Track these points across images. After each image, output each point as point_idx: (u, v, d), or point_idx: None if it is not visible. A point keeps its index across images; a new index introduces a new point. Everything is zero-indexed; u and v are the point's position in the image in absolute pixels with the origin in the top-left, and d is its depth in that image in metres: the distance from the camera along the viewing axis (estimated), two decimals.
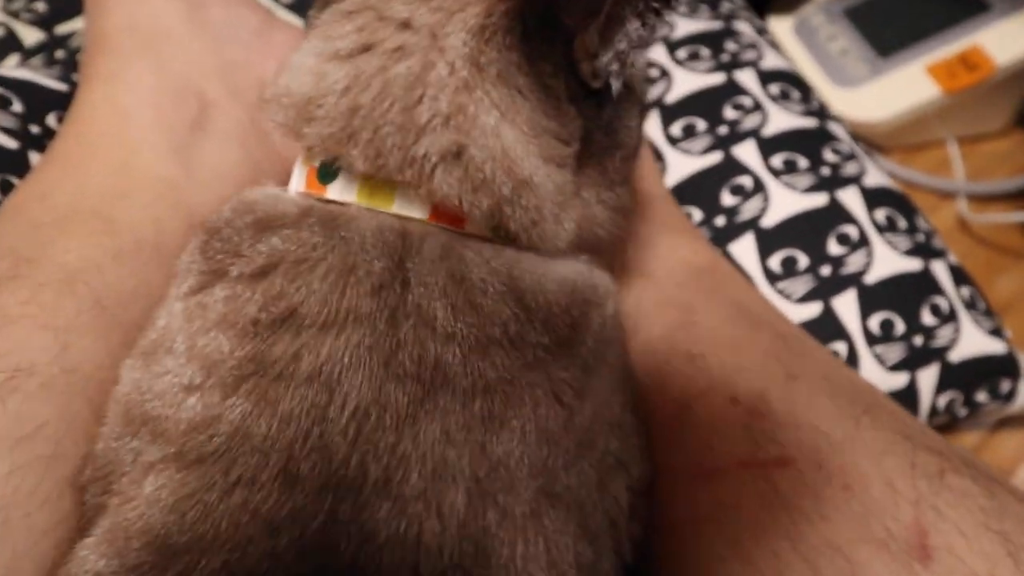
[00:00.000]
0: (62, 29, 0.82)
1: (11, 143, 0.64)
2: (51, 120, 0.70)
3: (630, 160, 0.50)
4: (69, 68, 0.77)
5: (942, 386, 0.69)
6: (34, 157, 0.66)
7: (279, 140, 0.66)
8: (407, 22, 0.43)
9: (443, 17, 0.42)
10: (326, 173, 0.44)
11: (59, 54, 0.80)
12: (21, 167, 0.64)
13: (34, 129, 0.68)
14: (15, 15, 0.83)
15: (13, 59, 0.80)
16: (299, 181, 0.45)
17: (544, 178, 0.42)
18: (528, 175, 0.42)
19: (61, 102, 0.69)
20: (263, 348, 0.38)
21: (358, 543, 0.36)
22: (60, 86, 0.72)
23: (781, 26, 1.02)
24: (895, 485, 0.48)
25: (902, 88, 0.93)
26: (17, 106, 0.67)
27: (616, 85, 0.43)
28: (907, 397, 0.68)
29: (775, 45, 0.87)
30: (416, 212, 0.42)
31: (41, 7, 0.84)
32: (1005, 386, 0.71)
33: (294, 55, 0.47)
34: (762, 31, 0.88)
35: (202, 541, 0.35)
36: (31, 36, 0.81)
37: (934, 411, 0.69)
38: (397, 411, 0.37)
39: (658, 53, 0.82)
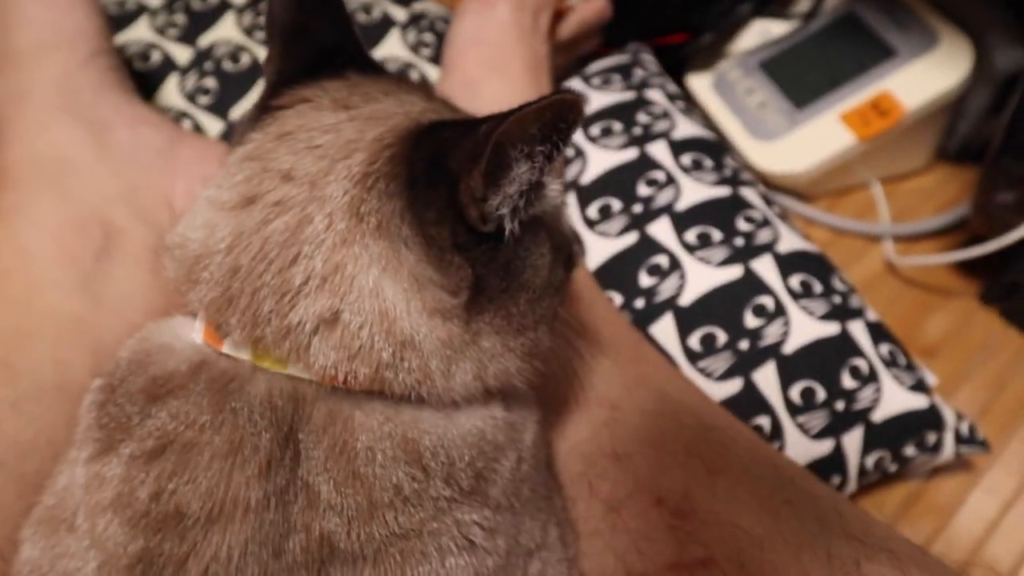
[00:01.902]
0: None
1: None
2: None
3: (542, 301, 0.45)
4: None
5: (868, 447, 0.70)
6: None
7: None
8: (289, 173, 0.42)
9: (326, 166, 0.42)
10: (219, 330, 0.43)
11: None
12: None
13: None
14: None
15: None
16: (199, 328, 0.44)
17: (428, 334, 0.41)
18: (409, 334, 0.40)
19: None
20: (153, 546, 0.38)
21: None
22: None
23: (700, 83, 1.04)
24: None
25: (818, 138, 0.95)
26: None
27: (511, 226, 0.41)
28: (834, 462, 0.69)
29: (689, 110, 0.89)
30: (308, 374, 0.41)
31: None
32: (931, 438, 0.72)
33: (198, 197, 0.46)
34: (674, 97, 0.89)
35: None
36: None
37: (863, 471, 0.71)
38: None
39: None
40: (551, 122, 0.37)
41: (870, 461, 0.70)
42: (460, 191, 0.39)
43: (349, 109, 0.45)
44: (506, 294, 0.43)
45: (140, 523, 0.38)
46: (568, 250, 0.49)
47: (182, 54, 0.92)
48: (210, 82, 0.90)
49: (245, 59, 0.92)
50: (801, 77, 0.99)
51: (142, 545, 0.38)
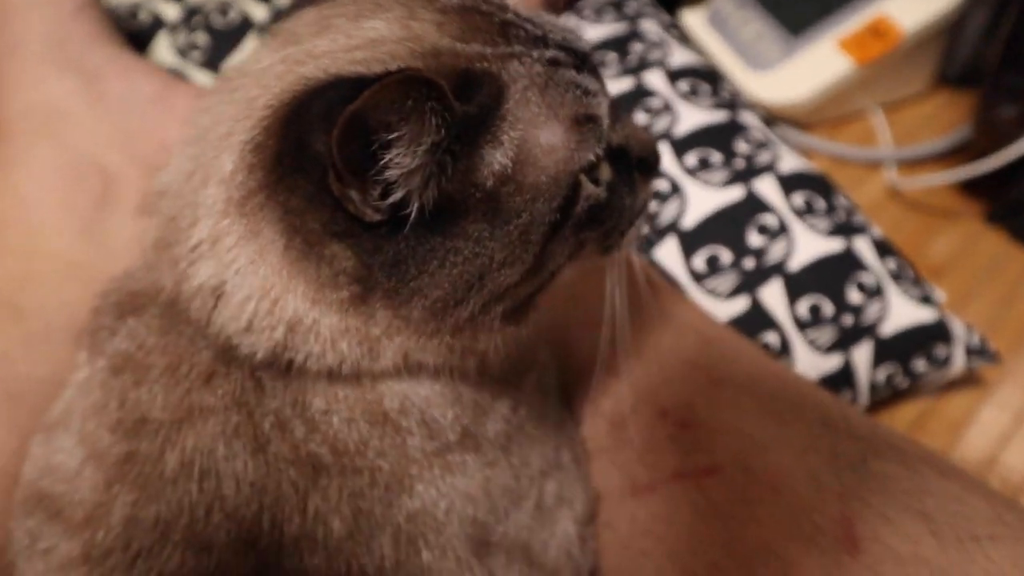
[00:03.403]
0: None
1: None
2: None
3: (451, 312, 0.38)
4: None
5: (878, 361, 0.70)
6: None
7: None
8: (207, 129, 0.40)
9: (229, 127, 0.38)
10: None
11: None
12: None
13: None
14: None
15: None
16: None
17: (319, 319, 0.37)
18: (299, 317, 0.37)
19: None
20: (132, 448, 0.39)
21: None
22: None
23: (694, 18, 1.02)
24: (820, 479, 0.49)
25: (816, 66, 0.94)
26: None
27: (413, 212, 0.35)
28: (844, 377, 0.69)
29: (683, 39, 0.88)
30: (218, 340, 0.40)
31: None
32: (941, 352, 0.71)
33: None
34: (670, 27, 0.88)
35: None
36: None
37: (874, 387, 0.70)
38: (293, 483, 0.38)
39: None
40: (404, 104, 0.32)
41: (881, 375, 0.70)
42: (330, 181, 0.34)
43: (291, 45, 0.40)
44: (395, 296, 0.37)
45: (118, 429, 0.39)
46: (555, 228, 0.39)
47: (170, 11, 0.91)
48: (201, 37, 0.89)
49: (233, 14, 0.91)
50: (796, 5, 0.98)
51: (126, 448, 0.39)
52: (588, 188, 0.39)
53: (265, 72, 0.39)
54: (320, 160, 0.34)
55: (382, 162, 0.33)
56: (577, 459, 0.53)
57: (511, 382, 0.46)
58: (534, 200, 0.37)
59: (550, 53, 0.39)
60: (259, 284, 0.37)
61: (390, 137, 0.33)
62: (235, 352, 0.39)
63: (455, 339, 0.39)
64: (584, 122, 0.39)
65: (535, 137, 0.37)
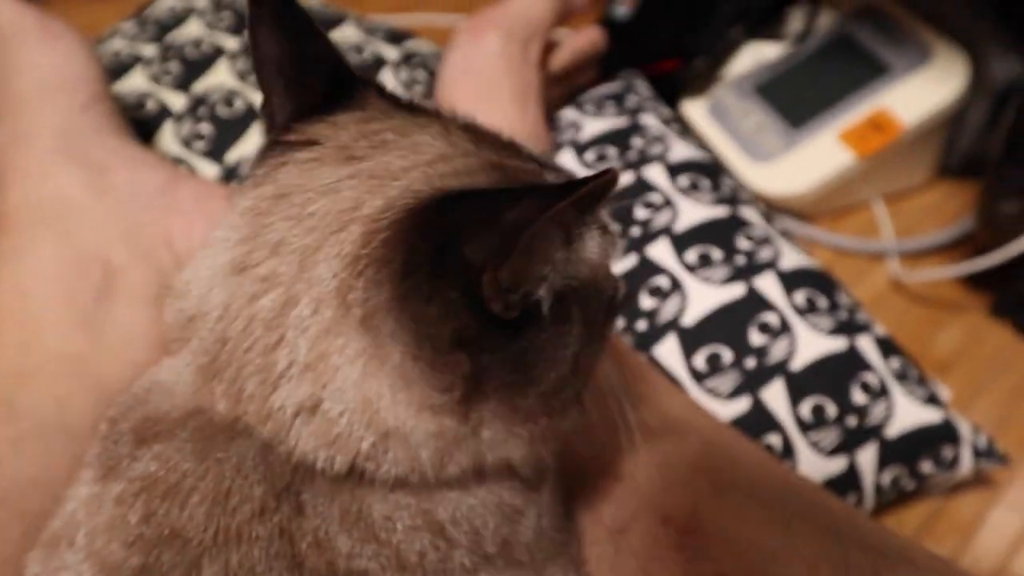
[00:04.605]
0: None
1: None
2: None
3: (560, 393, 0.40)
4: None
5: (884, 463, 0.68)
6: None
7: None
8: (279, 245, 0.39)
9: (317, 239, 0.38)
10: None
11: None
12: None
13: None
14: None
15: None
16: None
17: (416, 427, 0.38)
18: (394, 426, 0.37)
19: None
20: (151, 561, 0.37)
21: None
22: None
23: (696, 110, 1.03)
24: None
25: (817, 158, 0.95)
26: None
27: (546, 309, 0.37)
28: (849, 480, 0.67)
29: (684, 133, 0.89)
30: (289, 457, 0.39)
31: None
32: (948, 453, 0.70)
33: (208, 238, 0.43)
34: (669, 120, 0.89)
35: None
36: None
37: (879, 489, 0.69)
38: None
39: (566, 157, 0.83)
40: (587, 204, 0.35)
41: (887, 478, 0.68)
42: (484, 284, 0.34)
43: (353, 161, 0.41)
44: (513, 388, 0.38)
45: (135, 544, 0.38)
46: (607, 313, 0.43)
47: (177, 101, 0.92)
48: (205, 127, 0.90)
49: (239, 104, 0.92)
50: (797, 98, 0.99)
51: (141, 561, 0.37)
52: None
53: (338, 187, 0.39)
54: (470, 265, 0.34)
55: (543, 258, 0.36)
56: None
57: (535, 487, 0.46)
58: (599, 289, 0.41)
59: (552, 173, 0.42)
60: (362, 397, 0.37)
61: (565, 233, 0.36)
62: (300, 471, 0.39)
63: (550, 420, 0.41)
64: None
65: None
